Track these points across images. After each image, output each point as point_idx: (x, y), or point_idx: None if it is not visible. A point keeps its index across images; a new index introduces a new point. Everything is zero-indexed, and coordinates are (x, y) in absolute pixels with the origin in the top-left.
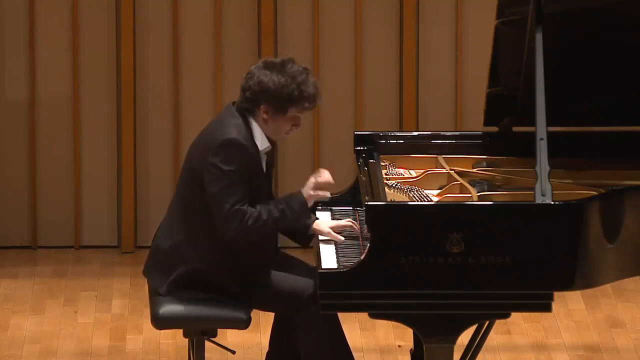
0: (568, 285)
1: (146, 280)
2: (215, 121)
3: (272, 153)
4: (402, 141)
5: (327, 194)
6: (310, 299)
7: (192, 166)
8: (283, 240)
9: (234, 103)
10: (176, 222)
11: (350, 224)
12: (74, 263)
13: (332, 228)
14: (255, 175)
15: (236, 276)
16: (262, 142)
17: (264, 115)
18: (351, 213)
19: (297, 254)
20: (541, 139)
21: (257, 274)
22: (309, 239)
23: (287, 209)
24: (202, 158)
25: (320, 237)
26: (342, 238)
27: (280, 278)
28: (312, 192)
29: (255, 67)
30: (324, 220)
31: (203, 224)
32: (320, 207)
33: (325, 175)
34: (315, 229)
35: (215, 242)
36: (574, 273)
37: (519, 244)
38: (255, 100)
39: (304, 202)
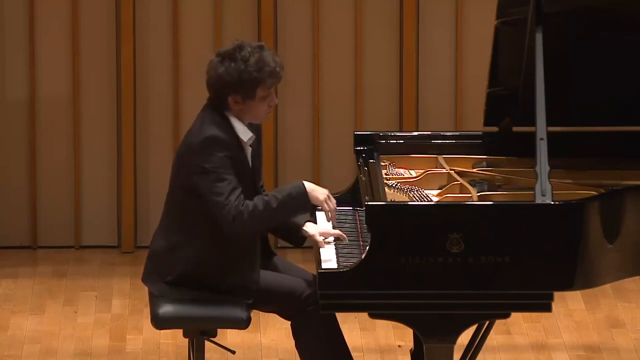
0: (568, 285)
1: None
2: (195, 123)
3: (257, 143)
4: (402, 141)
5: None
6: (309, 299)
7: (180, 169)
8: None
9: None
10: (170, 225)
11: (339, 234)
12: (74, 263)
13: (320, 233)
14: (240, 169)
15: (230, 276)
16: (244, 134)
17: (236, 106)
18: (351, 213)
19: (298, 254)
20: (541, 139)
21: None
22: (302, 239)
23: (286, 198)
24: (187, 161)
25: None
26: (328, 242)
27: (279, 278)
28: (314, 193)
29: (211, 62)
30: (314, 225)
31: (196, 225)
32: (320, 207)
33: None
34: (305, 230)
35: (210, 243)
36: (574, 273)
37: (519, 244)
38: (220, 95)
39: (303, 191)
